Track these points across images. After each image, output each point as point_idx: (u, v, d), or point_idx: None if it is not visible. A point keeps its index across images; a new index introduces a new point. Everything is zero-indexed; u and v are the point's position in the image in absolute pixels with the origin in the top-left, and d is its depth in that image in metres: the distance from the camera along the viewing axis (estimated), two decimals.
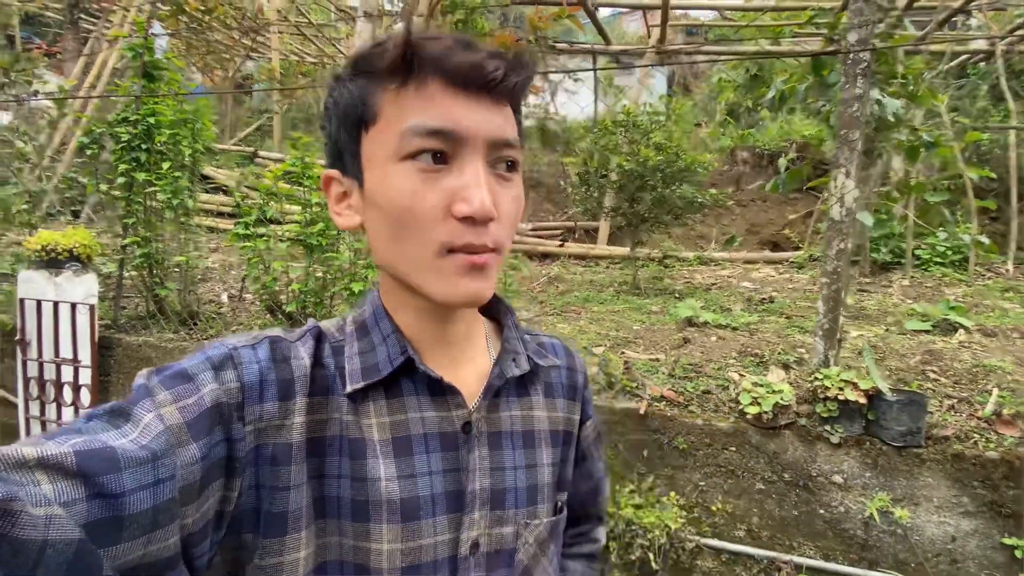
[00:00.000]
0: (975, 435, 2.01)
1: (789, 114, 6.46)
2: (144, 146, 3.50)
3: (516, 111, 0.54)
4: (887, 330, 3.39)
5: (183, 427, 0.43)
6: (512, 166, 0.51)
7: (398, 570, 0.50)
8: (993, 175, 4.42)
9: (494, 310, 0.64)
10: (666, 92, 8.77)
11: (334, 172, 0.55)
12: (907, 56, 3.76)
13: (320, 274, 3.27)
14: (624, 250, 5.00)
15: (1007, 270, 4.73)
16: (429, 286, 0.50)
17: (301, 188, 3.36)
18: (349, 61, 0.53)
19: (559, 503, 0.63)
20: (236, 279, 4.64)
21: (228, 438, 0.46)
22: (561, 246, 5.62)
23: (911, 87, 3.56)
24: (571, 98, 7.71)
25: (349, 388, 0.52)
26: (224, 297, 4.19)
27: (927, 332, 3.30)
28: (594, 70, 6.94)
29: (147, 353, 3.29)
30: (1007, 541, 1.81)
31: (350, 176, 0.53)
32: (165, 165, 3.53)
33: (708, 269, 5.03)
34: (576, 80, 7.93)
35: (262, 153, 7.88)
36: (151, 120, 3.52)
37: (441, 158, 0.48)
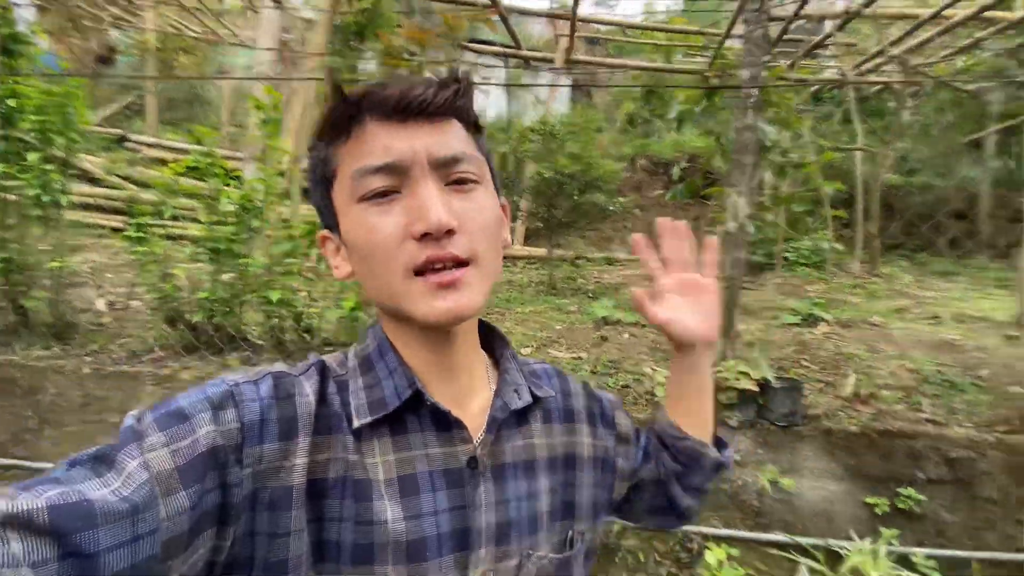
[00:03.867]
0: (840, 413, 2.44)
1: (679, 128, 7.09)
2: (2, 133, 3.07)
3: (468, 125, 0.54)
4: (766, 324, 3.91)
5: (173, 473, 0.41)
6: (469, 178, 0.52)
7: None
8: (844, 188, 5.22)
9: (489, 341, 0.64)
10: (570, 98, 9.20)
11: (325, 232, 0.58)
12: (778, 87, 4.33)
13: (230, 281, 3.07)
14: (541, 251, 5.23)
15: (854, 269, 5.62)
16: (409, 310, 0.51)
17: (207, 185, 3.11)
18: (313, 130, 0.57)
19: (571, 535, 0.60)
20: (114, 283, 4.19)
21: (223, 483, 0.44)
22: None
23: (783, 114, 4.12)
24: (483, 99, 7.82)
25: (356, 423, 0.51)
26: (101, 304, 3.77)
27: (798, 325, 3.86)
28: (530, 84, 7.12)
29: (10, 373, 2.86)
30: (868, 500, 2.23)
31: (333, 230, 0.56)
32: (31, 156, 3.11)
33: (615, 269, 5.42)
34: (484, 79, 8.04)
35: (133, 136, 6.97)
36: (11, 103, 3.09)
37: (392, 191, 0.50)
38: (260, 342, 3.10)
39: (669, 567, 2.28)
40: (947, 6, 4.00)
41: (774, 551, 2.23)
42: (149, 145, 6.80)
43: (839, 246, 4.66)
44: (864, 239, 5.66)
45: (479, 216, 0.52)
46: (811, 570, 2.16)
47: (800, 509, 2.28)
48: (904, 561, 2.11)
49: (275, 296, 2.84)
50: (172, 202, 3.09)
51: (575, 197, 4.05)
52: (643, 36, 6.70)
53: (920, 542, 2.18)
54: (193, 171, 3.10)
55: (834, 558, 2.15)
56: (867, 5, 4.17)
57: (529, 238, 6.04)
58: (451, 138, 0.52)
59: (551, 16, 6.05)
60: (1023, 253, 3.59)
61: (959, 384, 2.62)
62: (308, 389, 0.52)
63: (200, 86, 9.49)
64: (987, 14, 4.10)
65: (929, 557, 2.10)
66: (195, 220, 3.40)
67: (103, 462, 0.41)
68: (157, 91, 7.81)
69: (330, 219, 0.56)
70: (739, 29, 4.76)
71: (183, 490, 0.41)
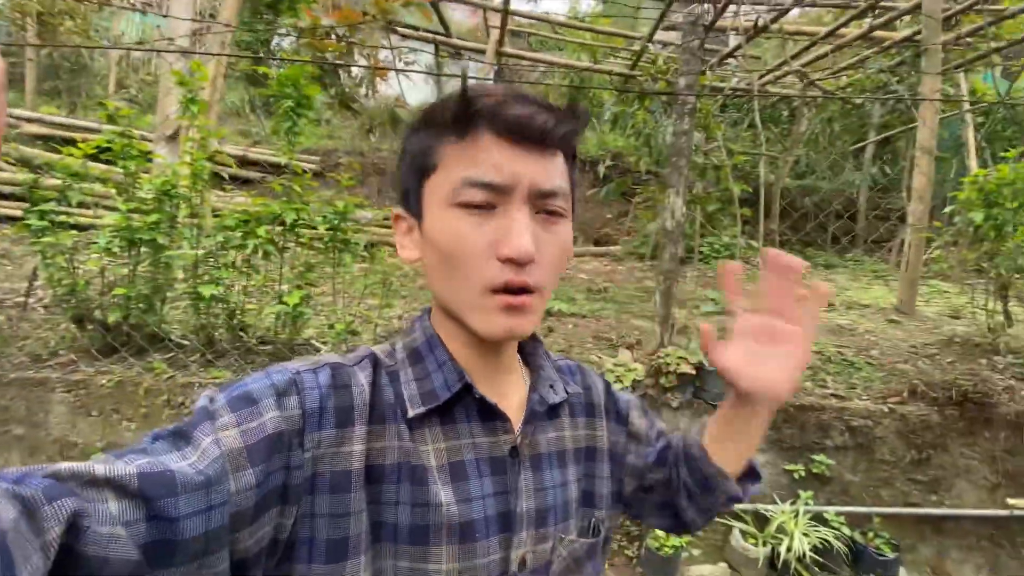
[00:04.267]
0: None
1: (611, 129, 7.39)
2: None
3: (569, 158, 0.57)
4: (691, 312, 4.22)
5: (242, 451, 0.44)
6: (558, 211, 0.55)
7: None
8: (750, 189, 5.72)
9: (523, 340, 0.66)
10: None
11: (401, 211, 0.60)
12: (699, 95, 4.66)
13: (149, 275, 2.81)
14: None
15: (760, 262, 6.17)
16: (472, 321, 0.53)
17: (122, 170, 2.81)
18: (419, 114, 0.58)
19: (593, 522, 0.64)
20: (4, 279, 3.69)
21: (287, 466, 0.47)
22: None
23: (703, 120, 4.45)
24: (411, 86, 7.67)
25: (411, 413, 0.54)
26: None
27: (719, 313, 4.20)
28: (454, 75, 7.02)
29: None
30: (788, 467, 2.50)
31: (413, 215, 0.58)
32: None
33: None
34: (409, 64, 7.88)
35: (8, 110, 6.16)
36: None
37: (489, 205, 0.51)
38: (186, 341, 2.87)
39: (619, 540, 2.42)
40: (842, 24, 4.49)
41: None
42: (29, 120, 5.96)
43: (752, 242, 5.11)
44: (766, 235, 6.24)
45: (557, 251, 0.54)
46: (743, 532, 2.40)
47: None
48: (819, 518, 2.40)
49: (207, 292, 2.63)
50: (79, 187, 2.75)
51: None
52: (568, 34, 6.89)
53: (830, 501, 2.50)
54: (104, 152, 2.78)
55: (762, 520, 2.41)
56: (774, 21, 4.59)
57: None
58: (554, 171, 0.54)
59: (483, 7, 6.06)
60: (896, 249, 4.15)
61: (855, 363, 3.00)
62: (363, 379, 0.55)
63: (88, 55, 8.45)
64: (874, 34, 4.66)
65: (839, 513, 2.41)
66: (106, 208, 3.06)
67: (182, 437, 0.44)
68: (38, 59, 6.84)
69: (415, 204, 0.57)
70: (660, 35, 5.05)
71: (251, 468, 0.44)
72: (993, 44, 4.57)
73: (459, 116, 0.52)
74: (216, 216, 2.88)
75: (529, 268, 0.52)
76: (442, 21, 6.63)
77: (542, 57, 6.61)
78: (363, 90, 8.17)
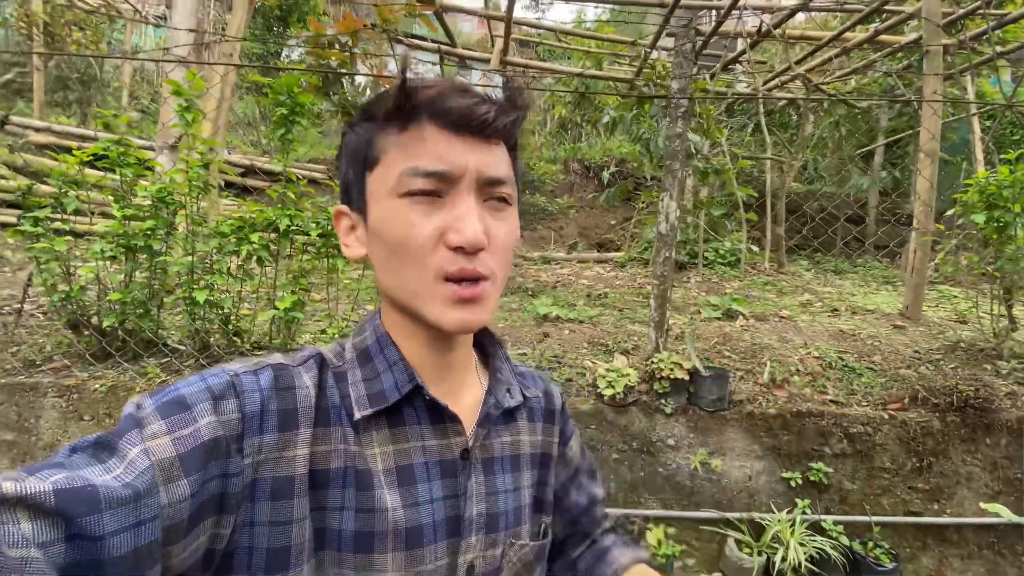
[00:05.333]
0: (759, 398, 2.66)
1: (609, 134, 7.38)
2: None
3: (512, 148, 0.57)
4: (691, 318, 4.17)
5: (174, 461, 0.41)
6: (504, 200, 0.54)
7: None
8: (755, 193, 5.67)
9: (481, 340, 0.67)
10: None
11: (344, 207, 0.59)
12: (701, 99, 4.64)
13: (145, 280, 2.84)
14: None
15: (765, 267, 6.11)
16: (426, 311, 0.52)
17: (118, 177, 2.86)
18: (359, 108, 0.58)
19: (543, 526, 0.65)
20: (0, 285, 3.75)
21: (224, 473, 0.45)
22: None
23: (705, 124, 4.42)
24: None
25: (357, 415, 0.52)
26: None
27: (719, 319, 4.15)
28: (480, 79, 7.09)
29: None
30: (785, 475, 2.45)
31: (356, 211, 0.57)
32: None
33: (551, 268, 5.55)
34: (416, 75, 7.94)
35: (15, 119, 6.22)
36: None
37: (436, 194, 0.51)
38: (181, 347, 2.89)
39: None
40: (846, 29, 4.45)
41: (706, 527, 2.40)
42: (37, 129, 6.09)
43: (753, 247, 5.05)
44: (772, 240, 6.18)
45: (506, 238, 0.54)
46: (738, 542, 2.34)
47: (727, 487, 2.46)
48: (816, 527, 2.34)
49: (201, 297, 2.66)
50: (76, 194, 2.80)
51: None
52: (574, 43, 6.91)
53: (828, 509, 2.43)
54: (102, 160, 2.83)
55: (758, 529, 2.35)
56: (777, 26, 4.56)
57: None
58: (498, 160, 0.54)
59: (487, 16, 6.10)
60: (905, 254, 4.08)
61: (856, 368, 2.93)
62: (307, 381, 0.53)
63: (97, 64, 8.65)
64: (879, 38, 4.61)
65: (837, 522, 2.35)
66: (103, 215, 3.11)
67: (104, 448, 0.41)
68: (47, 70, 6.99)
69: (357, 199, 0.57)
70: (663, 41, 5.04)
71: (184, 478, 0.41)
72: (998, 48, 4.50)
73: (400, 108, 0.52)
74: (212, 221, 2.91)
75: (481, 256, 0.51)
76: (447, 31, 6.68)
77: (545, 65, 6.64)
78: (367, 99, 8.27)
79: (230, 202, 3.89)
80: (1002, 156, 2.66)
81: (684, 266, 5.97)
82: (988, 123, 5.69)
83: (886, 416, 2.51)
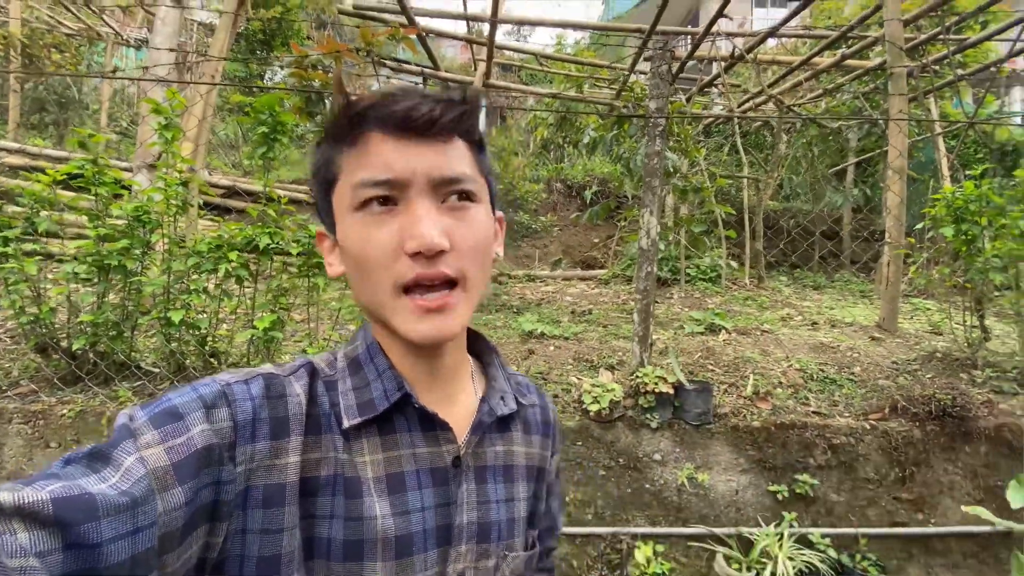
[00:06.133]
0: (743, 411, 2.66)
1: (590, 154, 7.50)
2: None
3: (472, 143, 0.55)
4: (675, 333, 4.20)
5: (169, 469, 0.42)
6: (466, 196, 0.52)
7: None
8: (733, 211, 5.78)
9: (477, 347, 0.66)
10: (485, 122, 9.44)
11: (322, 229, 0.60)
12: (679, 119, 4.76)
13: (118, 302, 2.76)
14: None
15: (745, 283, 6.20)
16: (395, 323, 0.52)
17: (93, 196, 2.80)
18: (321, 130, 0.58)
19: (531, 538, 0.64)
20: None
21: (217, 481, 0.45)
22: None
23: (683, 144, 4.52)
24: None
25: (346, 424, 0.52)
26: None
27: (702, 333, 4.18)
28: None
29: None
30: (771, 488, 2.44)
31: (330, 230, 0.57)
32: None
33: (535, 286, 5.56)
34: None
35: None
36: None
37: (390, 201, 0.50)
38: (155, 369, 2.81)
39: (601, 570, 2.34)
40: (814, 54, 4.62)
41: (694, 543, 2.38)
42: (10, 151, 5.98)
43: (733, 263, 5.13)
44: (752, 256, 6.29)
45: (472, 236, 0.52)
46: (727, 557, 2.32)
47: (714, 501, 2.45)
48: (804, 540, 2.33)
49: (177, 317, 2.59)
50: (48, 214, 2.73)
51: None
52: (555, 67, 7.07)
53: (815, 522, 2.43)
54: (76, 179, 2.77)
55: (746, 544, 2.34)
56: (749, 51, 4.72)
57: None
58: (452, 158, 0.52)
59: (470, 41, 6.21)
60: (880, 268, 4.18)
61: (837, 380, 2.97)
62: (298, 389, 0.53)
63: (76, 86, 8.57)
64: (847, 62, 4.79)
65: (824, 535, 2.34)
66: (75, 236, 3.04)
67: (99, 459, 0.41)
68: (23, 92, 6.90)
69: (328, 220, 0.57)
70: (642, 66, 5.18)
71: (179, 486, 0.42)
72: (959, 72, 4.71)
73: (348, 122, 0.52)
74: (187, 241, 2.86)
75: (444, 258, 0.50)
76: (430, 55, 6.78)
77: (527, 88, 6.76)
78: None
79: (210, 222, 3.84)
80: (967, 173, 2.76)
81: (666, 282, 6.03)
82: (952, 142, 5.93)
83: (868, 426, 2.53)
